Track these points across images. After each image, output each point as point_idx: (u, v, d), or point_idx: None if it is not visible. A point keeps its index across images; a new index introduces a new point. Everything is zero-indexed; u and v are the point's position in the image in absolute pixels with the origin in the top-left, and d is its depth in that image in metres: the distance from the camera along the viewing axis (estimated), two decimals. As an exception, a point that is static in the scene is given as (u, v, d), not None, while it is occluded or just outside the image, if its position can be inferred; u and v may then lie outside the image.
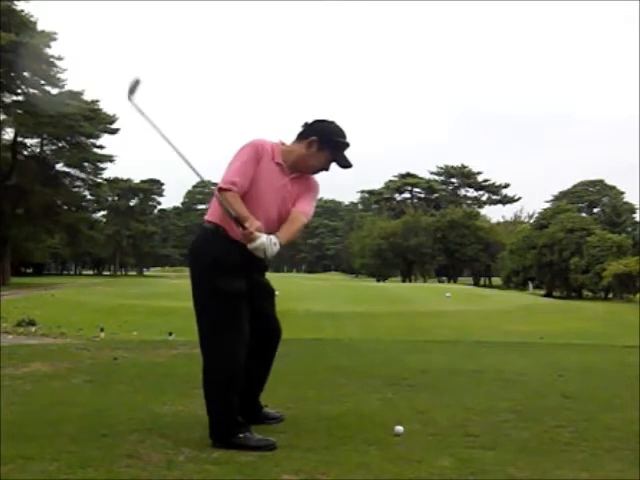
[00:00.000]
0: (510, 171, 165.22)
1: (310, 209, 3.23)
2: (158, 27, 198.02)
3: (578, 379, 5.05)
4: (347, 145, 3.27)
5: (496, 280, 72.51)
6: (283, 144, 3.26)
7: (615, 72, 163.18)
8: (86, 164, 51.12)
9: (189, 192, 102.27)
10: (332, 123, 3.28)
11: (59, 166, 50.97)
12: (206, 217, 3.19)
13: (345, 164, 3.26)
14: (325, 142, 3.19)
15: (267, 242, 2.90)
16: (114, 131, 50.07)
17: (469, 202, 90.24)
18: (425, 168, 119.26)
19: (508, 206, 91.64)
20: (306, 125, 3.27)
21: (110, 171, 56.87)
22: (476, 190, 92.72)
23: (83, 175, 52.47)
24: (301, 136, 3.25)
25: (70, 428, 3.24)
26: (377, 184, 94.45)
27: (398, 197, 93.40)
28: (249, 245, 2.90)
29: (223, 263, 3.04)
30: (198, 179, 3.12)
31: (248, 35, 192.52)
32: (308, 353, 6.09)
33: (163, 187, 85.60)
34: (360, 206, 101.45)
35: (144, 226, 79.96)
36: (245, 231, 2.90)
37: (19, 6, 40.93)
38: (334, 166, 3.29)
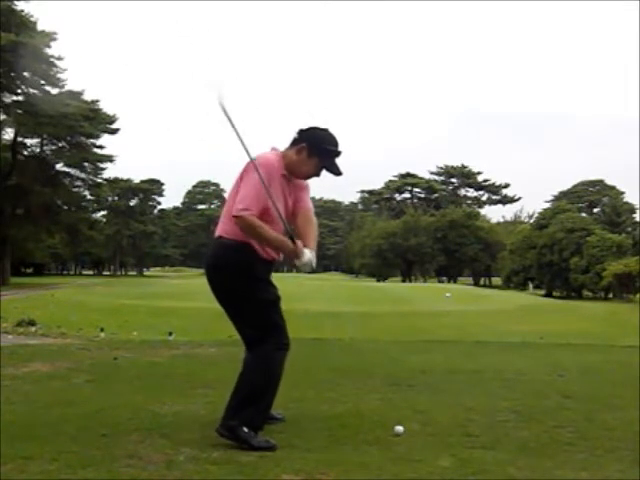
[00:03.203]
0: (510, 171, 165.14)
1: (311, 205, 3.39)
2: (158, 27, 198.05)
3: (578, 379, 5.05)
4: (337, 153, 3.28)
5: (496, 280, 72.52)
6: (274, 149, 3.28)
7: (615, 72, 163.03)
8: (86, 164, 51.08)
9: (189, 192, 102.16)
10: (324, 131, 3.29)
11: (59, 166, 50.93)
12: (225, 235, 3.14)
13: (335, 172, 3.28)
14: (314, 149, 3.21)
15: (312, 256, 3.06)
16: (114, 131, 50.09)
17: (469, 202, 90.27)
18: (425, 168, 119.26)
19: (508, 206, 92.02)
20: (300, 132, 3.29)
21: (110, 171, 56.76)
22: (476, 190, 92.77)
23: (83, 175, 52.44)
24: (294, 143, 3.28)
25: (70, 428, 3.25)
26: (377, 184, 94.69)
27: (398, 197, 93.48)
28: (298, 261, 3.03)
29: (259, 275, 3.15)
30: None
31: (247, 35, 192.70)
32: (308, 353, 6.08)
33: (163, 187, 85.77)
34: (360, 206, 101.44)
35: (144, 226, 79.97)
36: (296, 248, 3.02)
37: (19, 6, 40.99)
38: (325, 171, 3.31)
